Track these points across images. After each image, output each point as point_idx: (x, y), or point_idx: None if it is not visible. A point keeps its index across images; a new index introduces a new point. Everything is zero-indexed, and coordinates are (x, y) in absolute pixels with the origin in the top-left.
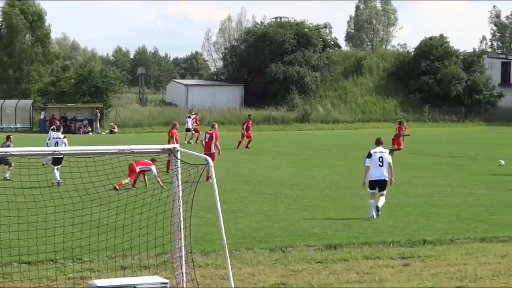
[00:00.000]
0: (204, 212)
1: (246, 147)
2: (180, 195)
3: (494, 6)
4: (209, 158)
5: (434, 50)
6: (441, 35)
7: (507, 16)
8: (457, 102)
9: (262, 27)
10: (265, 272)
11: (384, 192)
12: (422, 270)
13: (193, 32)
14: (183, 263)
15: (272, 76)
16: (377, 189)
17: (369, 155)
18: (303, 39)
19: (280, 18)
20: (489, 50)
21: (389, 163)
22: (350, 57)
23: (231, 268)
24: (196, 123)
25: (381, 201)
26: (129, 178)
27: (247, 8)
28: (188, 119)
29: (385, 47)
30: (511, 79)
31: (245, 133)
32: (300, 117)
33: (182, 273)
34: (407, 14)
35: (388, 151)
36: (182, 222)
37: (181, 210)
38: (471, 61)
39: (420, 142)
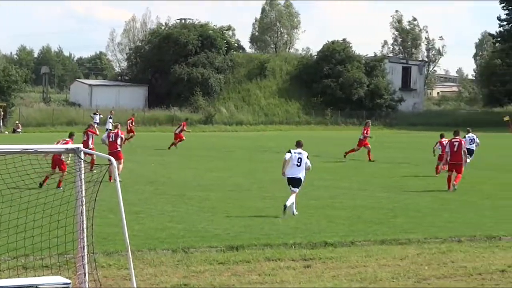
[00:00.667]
0: (107, 212)
1: (169, 147)
2: (83, 195)
3: (396, 11)
4: (112, 158)
5: (336, 54)
6: (344, 40)
7: (409, 21)
8: (359, 106)
9: (166, 28)
10: (167, 273)
11: (296, 190)
12: (323, 271)
13: (98, 32)
14: (86, 263)
15: (176, 77)
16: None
17: (289, 151)
18: (207, 41)
19: (185, 19)
20: (391, 54)
21: (308, 166)
22: (254, 60)
23: (134, 269)
24: (132, 124)
25: (290, 199)
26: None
27: (152, 9)
28: (109, 120)
29: (289, 50)
30: (411, 84)
31: (178, 133)
32: (204, 119)
33: (85, 273)
34: (311, 17)
35: (307, 154)
36: (84, 222)
37: (83, 210)
38: (373, 65)
39: (322, 145)
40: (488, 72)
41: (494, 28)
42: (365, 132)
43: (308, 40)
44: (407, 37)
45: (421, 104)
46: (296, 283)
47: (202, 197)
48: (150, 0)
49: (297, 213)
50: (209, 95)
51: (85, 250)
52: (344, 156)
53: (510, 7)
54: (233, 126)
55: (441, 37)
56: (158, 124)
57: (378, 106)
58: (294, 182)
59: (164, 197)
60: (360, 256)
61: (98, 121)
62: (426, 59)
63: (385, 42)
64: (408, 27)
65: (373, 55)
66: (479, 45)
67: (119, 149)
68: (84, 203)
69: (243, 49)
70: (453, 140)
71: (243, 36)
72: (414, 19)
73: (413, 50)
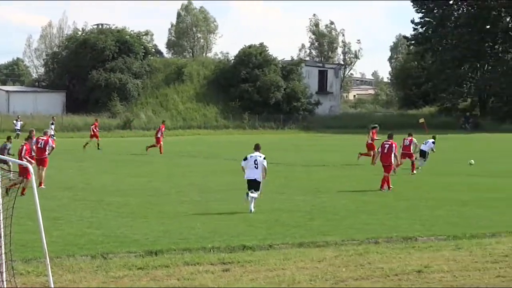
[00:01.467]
0: (26, 219)
1: (147, 148)
2: (0, 202)
3: (314, 15)
4: (29, 165)
5: (253, 58)
6: (261, 44)
7: (326, 25)
8: (276, 110)
9: (83, 34)
10: (86, 279)
11: (255, 195)
12: (241, 275)
13: (14, 38)
14: (4, 270)
15: (93, 83)
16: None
17: (245, 158)
18: (124, 46)
19: (102, 25)
20: (308, 58)
21: (264, 167)
22: (171, 65)
23: (52, 276)
24: (96, 128)
25: (252, 200)
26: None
27: (69, 14)
28: (51, 126)
29: (206, 54)
30: (328, 87)
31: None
32: (122, 124)
33: (3, 280)
34: (228, 22)
35: (263, 156)
36: (2, 229)
37: (1, 218)
38: (290, 69)
39: (241, 148)
40: (403, 75)
41: (408, 31)
42: (373, 136)
43: (226, 45)
44: (323, 40)
45: (337, 107)
46: (215, 287)
47: (121, 203)
48: (67, 0)
49: (254, 210)
50: (127, 100)
51: (3, 258)
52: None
53: (423, 10)
54: (151, 131)
55: (358, 40)
56: (76, 130)
57: (295, 109)
58: (253, 183)
59: (83, 203)
60: (279, 259)
61: (19, 128)
62: (342, 63)
63: (302, 46)
64: (325, 31)
65: (290, 59)
66: (394, 48)
67: (47, 156)
68: (1, 210)
69: (161, 54)
70: (384, 142)
71: (160, 41)
72: (332, 23)
73: (329, 53)
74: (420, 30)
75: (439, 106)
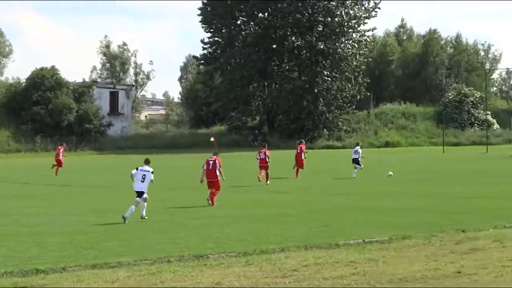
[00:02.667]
0: None
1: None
2: None
3: (105, 36)
4: None
5: (45, 81)
6: (53, 66)
7: (119, 46)
8: (69, 132)
9: None
10: None
11: (139, 200)
12: None
13: None
14: None
15: None
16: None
17: (137, 168)
18: None
19: None
20: (99, 79)
21: (150, 180)
22: None
23: None
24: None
25: (143, 208)
26: None
27: None
28: None
29: None
30: (119, 108)
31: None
32: None
33: None
34: (21, 46)
35: (152, 170)
36: None
37: None
38: (82, 91)
39: (31, 172)
40: (192, 95)
41: (198, 51)
42: (303, 148)
43: (18, 69)
44: (115, 62)
45: (129, 128)
46: None
47: None
48: None
49: (146, 218)
50: None
51: None
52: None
53: (212, 30)
54: None
55: (151, 61)
56: None
57: (87, 131)
58: (140, 194)
59: None
60: (72, 282)
61: None
62: (134, 84)
63: (94, 68)
64: (117, 52)
65: (82, 80)
66: (184, 68)
67: None
68: None
69: None
70: (209, 159)
71: None
72: (124, 44)
73: (122, 74)
74: (209, 49)
75: (229, 124)
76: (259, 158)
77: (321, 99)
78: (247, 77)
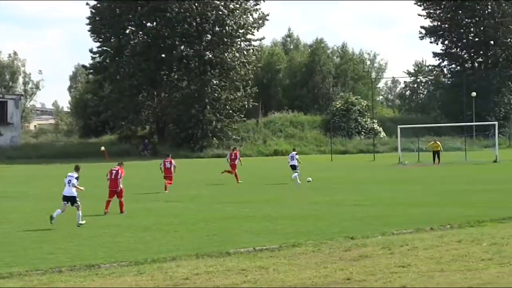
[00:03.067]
0: None
1: None
2: None
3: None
4: None
5: None
6: None
7: (9, 55)
8: None
9: None
10: None
11: (78, 212)
12: None
13: None
14: None
15: None
16: (69, 203)
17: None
18: None
19: None
20: None
21: (73, 184)
22: None
23: None
24: None
25: (78, 215)
26: None
27: None
28: None
29: None
30: (8, 118)
31: None
32: None
33: None
34: None
35: (76, 175)
36: None
37: None
38: None
39: None
40: (82, 104)
41: (88, 60)
42: (236, 154)
43: None
44: (5, 71)
45: (18, 138)
46: None
47: None
48: None
49: (82, 223)
50: None
51: None
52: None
53: (101, 39)
54: None
55: (40, 71)
56: None
57: None
58: (68, 199)
59: None
60: None
61: None
62: (23, 93)
63: None
64: (7, 61)
65: None
66: (74, 78)
67: None
68: None
69: None
70: (112, 169)
71: None
72: (15, 53)
73: (11, 83)
74: (98, 59)
75: (119, 133)
76: (163, 167)
77: (209, 107)
78: (137, 86)
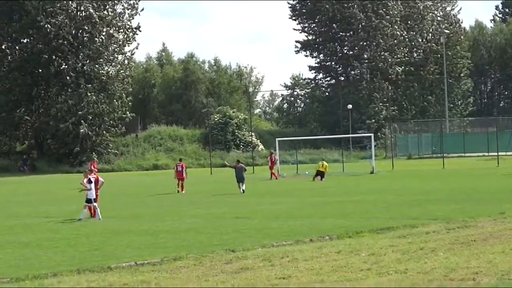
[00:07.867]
0: None
1: None
2: None
3: None
4: None
5: None
6: None
7: None
8: None
9: None
10: None
11: None
12: None
13: None
14: None
15: None
16: None
17: None
18: None
19: None
20: None
21: None
22: None
23: None
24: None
25: None
26: None
27: None
28: None
29: None
30: None
31: None
32: None
33: None
34: None
35: None
36: None
37: None
38: None
39: None
40: None
41: None
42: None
43: None
44: None
45: None
46: None
47: None
48: None
49: None
50: None
51: None
52: None
53: None
54: None
55: None
56: None
57: None
58: None
59: None
60: None
61: None
62: None
63: None
64: None
65: None
66: None
67: None
68: None
69: None
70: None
71: None
72: None
73: None
74: None
75: None
76: (175, 171)
77: (83, 121)
78: (14, 102)
